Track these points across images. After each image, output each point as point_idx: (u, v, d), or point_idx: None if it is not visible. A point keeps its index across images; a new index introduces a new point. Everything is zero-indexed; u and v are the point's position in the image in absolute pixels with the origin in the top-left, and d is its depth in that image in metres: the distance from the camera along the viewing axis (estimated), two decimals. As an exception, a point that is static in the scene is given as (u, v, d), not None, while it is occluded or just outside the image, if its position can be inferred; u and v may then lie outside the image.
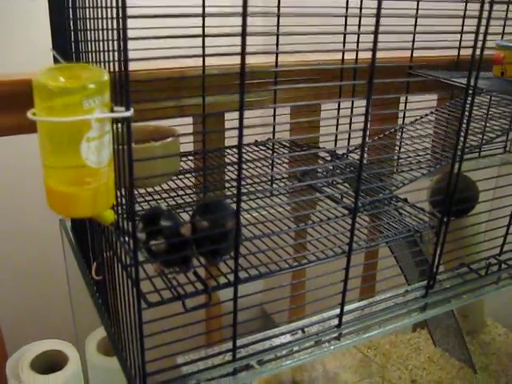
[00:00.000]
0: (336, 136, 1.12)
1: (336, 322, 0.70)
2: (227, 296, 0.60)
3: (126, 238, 0.54)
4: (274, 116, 1.09)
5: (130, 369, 0.61)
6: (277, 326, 0.73)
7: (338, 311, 0.70)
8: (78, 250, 0.92)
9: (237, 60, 0.47)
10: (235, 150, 1.05)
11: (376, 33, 0.53)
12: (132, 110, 0.46)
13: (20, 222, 1.59)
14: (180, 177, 0.92)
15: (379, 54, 0.55)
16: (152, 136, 0.91)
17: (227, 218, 0.59)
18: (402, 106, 1.30)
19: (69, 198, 0.49)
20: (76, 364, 1.00)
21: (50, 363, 1.01)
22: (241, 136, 0.50)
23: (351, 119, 1.16)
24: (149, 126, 0.93)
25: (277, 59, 1.07)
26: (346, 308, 0.71)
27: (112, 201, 0.52)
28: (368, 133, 1.23)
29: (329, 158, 1.08)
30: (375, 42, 0.54)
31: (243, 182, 0.94)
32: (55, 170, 0.49)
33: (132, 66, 0.45)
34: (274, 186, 1.00)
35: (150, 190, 0.87)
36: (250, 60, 0.51)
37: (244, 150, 1.05)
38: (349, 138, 1.13)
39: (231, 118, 1.16)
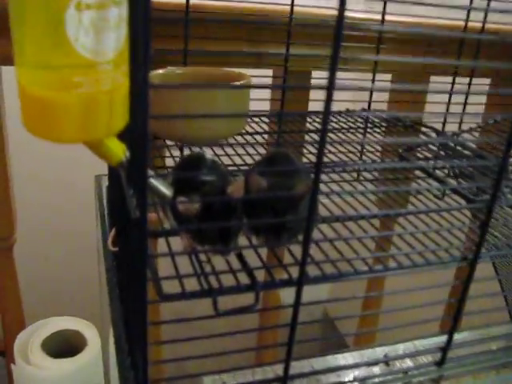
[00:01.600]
0: (446, 115, 0.90)
1: (437, 356, 0.48)
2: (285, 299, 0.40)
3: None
4: (373, 81, 0.87)
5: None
6: (345, 345, 0.52)
7: (441, 340, 0.48)
8: (110, 217, 0.74)
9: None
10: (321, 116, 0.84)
11: None
12: (156, -43, 0.26)
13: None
14: (247, 138, 0.72)
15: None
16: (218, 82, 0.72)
17: (299, 180, 0.38)
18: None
19: (48, 108, 0.30)
20: (95, 349, 0.83)
21: (65, 345, 0.85)
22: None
23: (467, 97, 0.93)
24: (216, 70, 0.74)
25: (384, 12, 0.85)
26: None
27: (121, 123, 0.33)
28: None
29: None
30: None
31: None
32: (30, 65, 0.30)
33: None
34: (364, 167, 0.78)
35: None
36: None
37: (332, 119, 0.84)
38: (461, 121, 0.91)
39: (319, 77, 0.98)
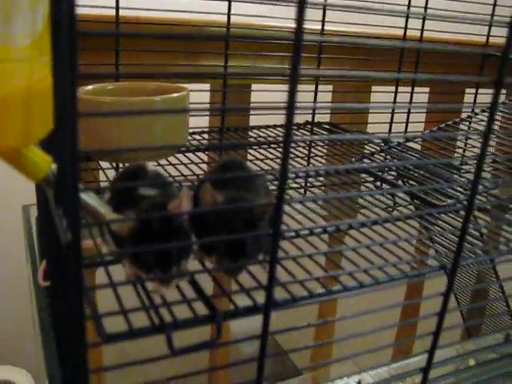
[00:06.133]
0: (391, 124, 0.88)
1: (417, 379, 0.44)
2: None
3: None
4: (316, 93, 0.83)
5: None
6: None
7: (420, 359, 0.44)
8: (40, 250, 0.66)
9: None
10: (265, 130, 0.80)
11: None
12: None
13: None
14: (188, 155, 0.66)
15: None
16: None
17: (258, 194, 0.33)
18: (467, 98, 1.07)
19: None
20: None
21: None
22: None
23: (409, 110, 0.92)
24: (149, 85, 0.68)
25: (324, 21, 0.82)
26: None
27: (43, 129, 0.27)
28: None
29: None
30: None
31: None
32: None
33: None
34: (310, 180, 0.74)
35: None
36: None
37: (272, 133, 0.80)
38: (406, 127, 0.89)
39: (258, 89, 0.94)
